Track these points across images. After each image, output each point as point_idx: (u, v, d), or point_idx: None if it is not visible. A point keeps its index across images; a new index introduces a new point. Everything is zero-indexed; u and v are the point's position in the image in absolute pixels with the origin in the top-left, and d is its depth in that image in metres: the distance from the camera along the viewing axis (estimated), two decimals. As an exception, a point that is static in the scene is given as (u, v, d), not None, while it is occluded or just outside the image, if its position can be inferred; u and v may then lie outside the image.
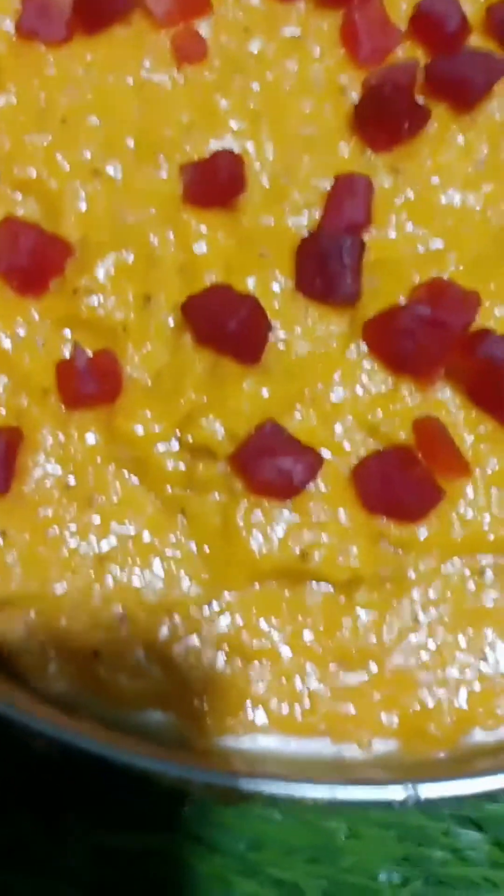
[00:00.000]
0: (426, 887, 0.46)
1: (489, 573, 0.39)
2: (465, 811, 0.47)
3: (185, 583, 0.39)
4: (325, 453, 0.39)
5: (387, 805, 0.31)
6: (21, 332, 0.40)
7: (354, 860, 0.46)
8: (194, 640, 0.38)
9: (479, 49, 0.44)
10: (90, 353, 0.39)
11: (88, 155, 0.42)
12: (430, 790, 0.32)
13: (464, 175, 0.43)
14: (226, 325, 0.37)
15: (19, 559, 0.38)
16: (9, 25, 0.44)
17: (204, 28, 0.44)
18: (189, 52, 0.44)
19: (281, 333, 0.40)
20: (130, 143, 0.43)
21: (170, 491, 0.39)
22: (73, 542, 0.39)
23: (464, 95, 0.43)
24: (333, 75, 0.45)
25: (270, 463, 0.37)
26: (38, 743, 0.33)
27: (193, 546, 0.39)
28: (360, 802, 0.32)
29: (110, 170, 0.42)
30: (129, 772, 0.32)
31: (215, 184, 0.41)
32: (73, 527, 0.39)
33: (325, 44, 0.45)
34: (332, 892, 0.45)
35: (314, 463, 0.37)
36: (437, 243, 0.42)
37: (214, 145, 0.43)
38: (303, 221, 0.42)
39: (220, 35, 0.45)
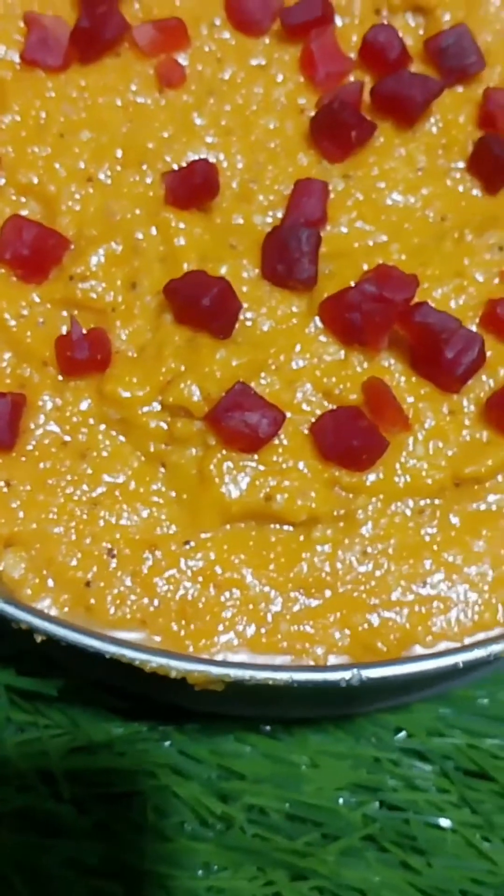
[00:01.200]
0: (380, 811, 0.52)
1: (427, 512, 0.45)
2: (413, 742, 0.52)
3: (166, 524, 0.45)
4: (288, 414, 0.45)
5: (336, 684, 0.37)
6: (24, 312, 0.47)
7: (315, 787, 0.51)
8: (173, 572, 0.44)
9: (418, 73, 0.52)
10: (84, 330, 0.46)
11: (82, 164, 0.49)
12: (373, 672, 0.38)
13: (405, 180, 0.50)
14: (200, 302, 0.44)
15: (22, 505, 0.44)
16: (13, 55, 0.51)
17: (182, 58, 0.52)
18: (170, 77, 0.51)
19: (249, 314, 0.47)
20: (119, 153, 0.50)
21: (152, 447, 0.45)
22: (68, 490, 0.45)
23: (405, 112, 0.50)
24: (294, 97, 0.52)
25: (239, 417, 0.43)
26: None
27: (173, 493, 0.45)
28: (314, 682, 0.38)
29: (101, 176, 0.49)
30: (122, 659, 0.38)
31: (193, 187, 0.48)
32: (68, 477, 0.45)
33: (286, 71, 0.52)
34: (295, 814, 0.51)
35: (278, 418, 0.44)
36: (383, 237, 0.49)
37: (191, 156, 0.50)
38: (268, 220, 0.49)
39: (196, 64, 0.52)
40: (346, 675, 0.38)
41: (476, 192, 0.51)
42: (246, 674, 0.37)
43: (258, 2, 0.52)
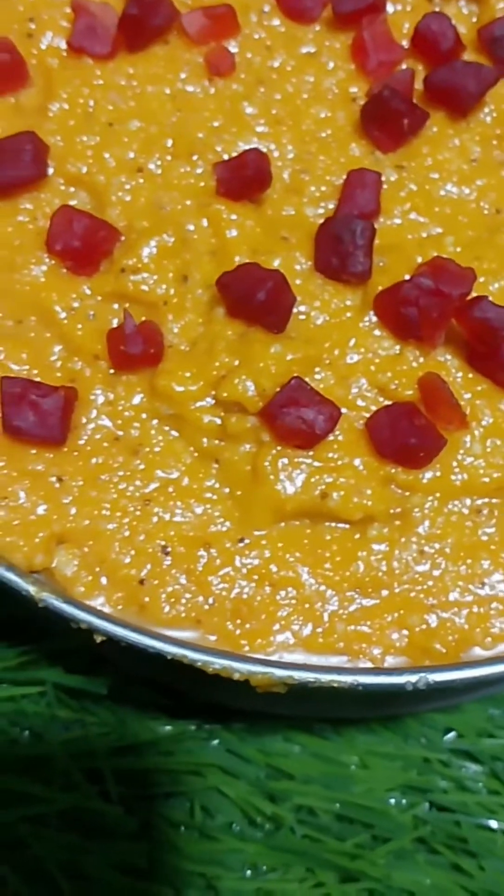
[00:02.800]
0: (430, 812, 0.51)
1: (485, 512, 0.44)
2: (463, 743, 0.52)
3: (220, 521, 0.44)
4: (342, 410, 0.44)
5: (401, 688, 0.36)
6: (75, 305, 0.46)
7: (365, 787, 0.51)
8: (228, 570, 0.43)
9: (472, 62, 0.51)
10: (136, 323, 0.45)
11: (132, 154, 0.48)
12: (439, 676, 0.37)
13: (459, 171, 0.50)
14: (254, 296, 0.43)
15: (74, 501, 0.44)
16: (60, 42, 0.50)
17: (232, 46, 0.51)
18: (219, 66, 0.50)
19: (302, 307, 0.46)
20: (168, 143, 0.49)
21: (205, 443, 0.45)
22: (121, 486, 0.44)
23: (458, 102, 0.49)
24: (345, 86, 0.51)
25: (295, 413, 0.42)
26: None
27: (227, 490, 0.44)
28: (380, 686, 0.37)
29: (151, 166, 0.48)
30: (184, 661, 0.37)
31: (244, 178, 0.47)
32: (120, 473, 0.44)
33: (337, 59, 0.51)
34: (345, 815, 0.50)
35: (334, 414, 0.43)
36: (437, 229, 0.48)
37: (242, 146, 0.49)
38: (320, 211, 0.48)
39: (246, 52, 0.51)
40: (413, 678, 0.37)
41: (531, 182, 0.50)
42: (310, 676, 0.37)
43: (310, -13, 0.51)
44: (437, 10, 0.52)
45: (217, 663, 0.37)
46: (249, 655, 0.40)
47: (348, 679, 0.37)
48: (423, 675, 0.37)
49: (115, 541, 0.43)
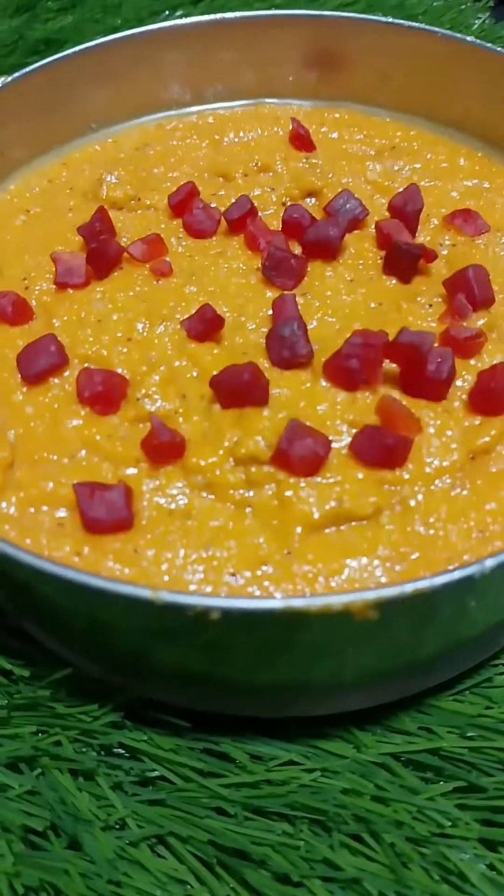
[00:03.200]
0: None
1: (458, 485, 0.58)
2: None
3: (266, 546, 0.55)
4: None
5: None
6: (109, 432, 0.60)
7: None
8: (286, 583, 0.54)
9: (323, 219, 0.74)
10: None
11: (119, 334, 0.66)
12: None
13: (345, 287, 0.70)
14: (241, 380, 0.59)
15: (151, 562, 0.54)
16: (47, 285, 0.70)
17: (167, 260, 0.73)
18: (162, 271, 0.71)
19: (275, 391, 0.62)
20: (143, 321, 0.67)
21: (237, 495, 0.57)
22: (184, 541, 0.55)
23: (329, 248, 0.72)
24: (249, 263, 0.73)
25: (302, 443, 0.56)
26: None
27: (263, 523, 0.56)
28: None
29: (136, 336, 0.66)
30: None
31: (205, 324, 0.65)
32: (179, 533, 0.55)
33: (237, 250, 0.74)
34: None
35: (327, 441, 0.57)
36: (345, 321, 0.67)
37: (193, 310, 0.68)
38: (262, 332, 0.66)
39: (175, 261, 0.73)
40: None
41: (394, 282, 0.71)
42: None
43: (205, 216, 0.75)
44: (291, 203, 0.76)
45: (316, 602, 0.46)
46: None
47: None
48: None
49: (191, 584, 0.53)
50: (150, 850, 0.55)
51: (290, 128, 0.84)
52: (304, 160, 0.81)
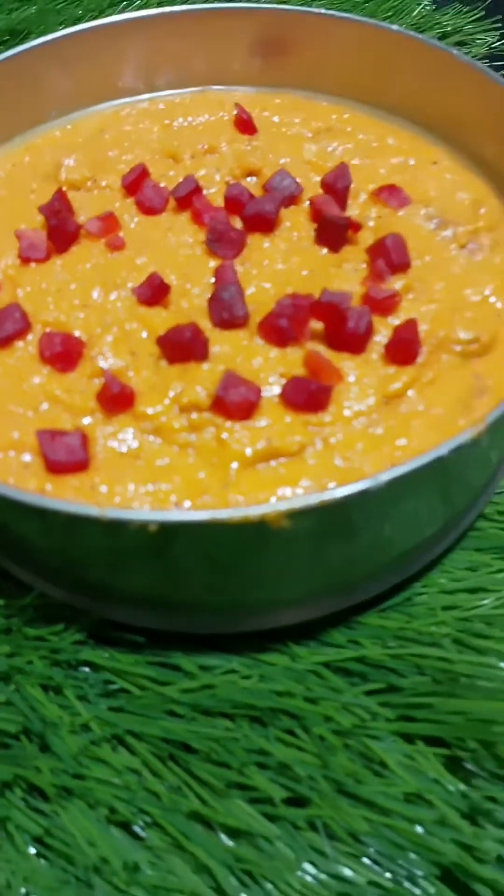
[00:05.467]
0: None
1: (374, 424, 0.66)
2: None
3: (208, 480, 0.63)
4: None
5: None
6: (68, 387, 0.68)
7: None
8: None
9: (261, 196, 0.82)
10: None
11: (77, 301, 0.74)
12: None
13: (280, 256, 0.78)
14: (184, 338, 0.67)
15: (107, 495, 0.62)
16: (14, 259, 0.78)
17: (120, 234, 0.80)
18: (115, 245, 0.78)
19: (216, 348, 0.70)
20: (97, 290, 0.75)
21: (181, 438, 0.65)
22: (135, 475, 0.63)
23: (267, 221, 0.79)
24: (195, 235, 0.80)
25: (236, 391, 0.64)
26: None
27: (204, 461, 0.64)
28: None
29: (91, 302, 0.74)
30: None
31: (153, 290, 0.73)
32: (132, 471, 0.64)
33: (184, 224, 0.81)
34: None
35: (257, 389, 0.65)
36: (280, 286, 0.75)
37: (142, 278, 0.76)
38: (206, 296, 0.74)
39: (128, 236, 0.80)
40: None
41: (325, 252, 0.79)
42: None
43: (155, 194, 0.82)
44: (233, 182, 0.84)
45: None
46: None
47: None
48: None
49: (142, 503, 0.62)
50: (110, 749, 0.63)
51: (235, 112, 0.91)
52: (248, 142, 0.89)
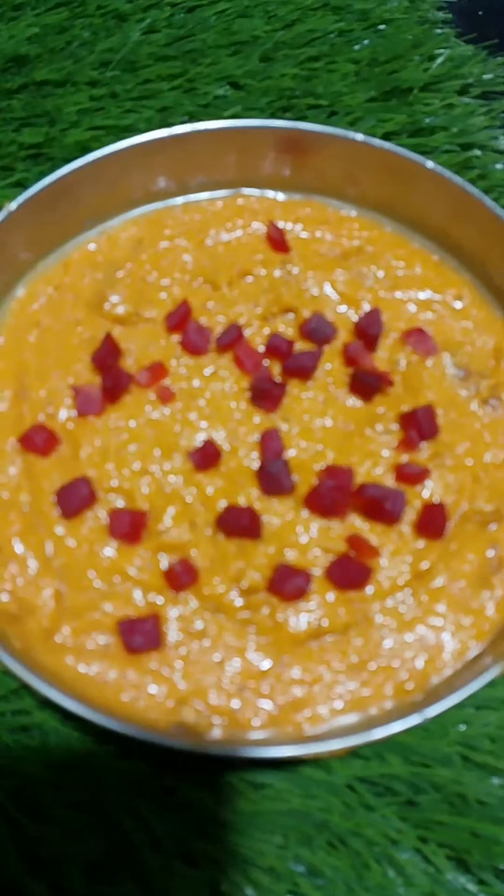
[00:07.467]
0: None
1: (408, 598, 0.76)
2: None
3: (266, 657, 0.73)
4: (309, 570, 0.76)
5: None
6: (137, 562, 0.76)
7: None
8: (271, 679, 0.72)
9: (303, 350, 0.87)
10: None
11: (137, 465, 0.80)
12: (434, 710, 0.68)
13: (317, 410, 0.85)
14: (241, 524, 0.75)
15: (181, 677, 0.72)
16: (73, 413, 0.82)
17: (167, 382, 0.85)
18: (165, 396, 0.84)
19: (265, 517, 0.78)
20: (157, 452, 0.81)
21: (241, 616, 0.75)
22: (203, 657, 0.73)
23: (303, 374, 0.85)
24: (238, 383, 0.86)
25: (289, 583, 0.73)
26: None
27: (263, 640, 0.74)
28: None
29: (152, 470, 0.80)
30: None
31: (206, 458, 0.80)
32: (199, 651, 0.73)
33: (227, 370, 0.86)
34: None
35: (308, 577, 0.75)
36: (319, 447, 0.83)
37: (198, 438, 0.82)
38: (252, 456, 0.81)
39: (175, 383, 0.85)
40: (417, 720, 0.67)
41: (356, 402, 0.86)
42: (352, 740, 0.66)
43: (199, 337, 0.87)
44: (269, 325, 0.88)
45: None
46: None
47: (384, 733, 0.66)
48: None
49: (211, 688, 0.72)
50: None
51: (266, 230, 0.94)
52: (280, 266, 0.92)
